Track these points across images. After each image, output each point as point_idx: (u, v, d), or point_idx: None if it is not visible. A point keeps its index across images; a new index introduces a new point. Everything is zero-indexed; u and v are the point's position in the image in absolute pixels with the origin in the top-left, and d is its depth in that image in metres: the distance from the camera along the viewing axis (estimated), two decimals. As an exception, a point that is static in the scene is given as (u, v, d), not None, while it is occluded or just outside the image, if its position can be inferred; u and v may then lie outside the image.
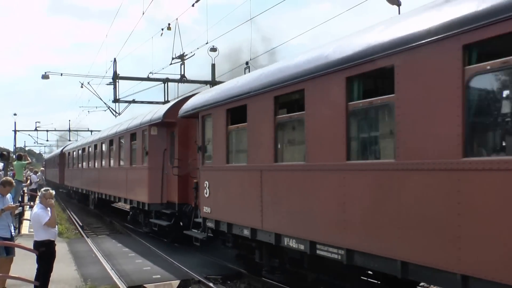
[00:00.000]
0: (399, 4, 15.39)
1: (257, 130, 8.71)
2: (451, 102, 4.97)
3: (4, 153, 19.47)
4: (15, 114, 56.55)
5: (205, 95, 11.39)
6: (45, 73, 27.63)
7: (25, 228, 17.13)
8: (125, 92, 38.06)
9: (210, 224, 10.60)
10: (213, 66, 22.42)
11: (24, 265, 9.67)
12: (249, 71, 17.31)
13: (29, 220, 15.42)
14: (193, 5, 16.93)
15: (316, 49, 7.71)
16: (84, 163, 27.13)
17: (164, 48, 24.95)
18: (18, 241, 12.09)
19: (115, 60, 22.22)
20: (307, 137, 7.33)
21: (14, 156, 24.94)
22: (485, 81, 4.93)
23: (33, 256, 8.38)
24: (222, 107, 9.94)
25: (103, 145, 21.96)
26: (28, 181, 25.39)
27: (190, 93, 16.19)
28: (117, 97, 22.61)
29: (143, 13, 20.06)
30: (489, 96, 5.01)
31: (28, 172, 32.19)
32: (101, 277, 10.50)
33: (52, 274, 8.30)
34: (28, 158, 20.06)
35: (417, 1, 6.52)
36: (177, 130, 13.93)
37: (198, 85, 22.41)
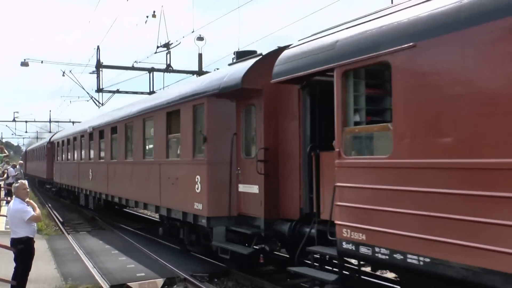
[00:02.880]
0: None
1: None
2: None
3: (-20, 145, 18.76)
4: (-10, 104, 54.76)
5: (57, 134, 30.12)
6: (25, 60, 26.57)
7: (1, 224, 16.58)
8: (109, 81, 38.13)
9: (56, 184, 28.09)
10: (200, 55, 22.00)
11: (0, 263, 9.38)
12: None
13: (5, 216, 14.85)
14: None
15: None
16: (33, 159, 43.94)
17: (151, 36, 24.47)
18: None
19: (98, 47, 21.57)
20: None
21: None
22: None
23: (9, 254, 8.09)
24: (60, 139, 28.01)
25: (39, 149, 38.38)
26: (5, 175, 24.71)
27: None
28: (101, 87, 22.00)
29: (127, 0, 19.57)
30: None
31: (5, 165, 31.42)
32: (82, 276, 10.20)
33: (30, 273, 8.06)
34: (5, 150, 19.42)
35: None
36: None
37: (185, 75, 22.01)
